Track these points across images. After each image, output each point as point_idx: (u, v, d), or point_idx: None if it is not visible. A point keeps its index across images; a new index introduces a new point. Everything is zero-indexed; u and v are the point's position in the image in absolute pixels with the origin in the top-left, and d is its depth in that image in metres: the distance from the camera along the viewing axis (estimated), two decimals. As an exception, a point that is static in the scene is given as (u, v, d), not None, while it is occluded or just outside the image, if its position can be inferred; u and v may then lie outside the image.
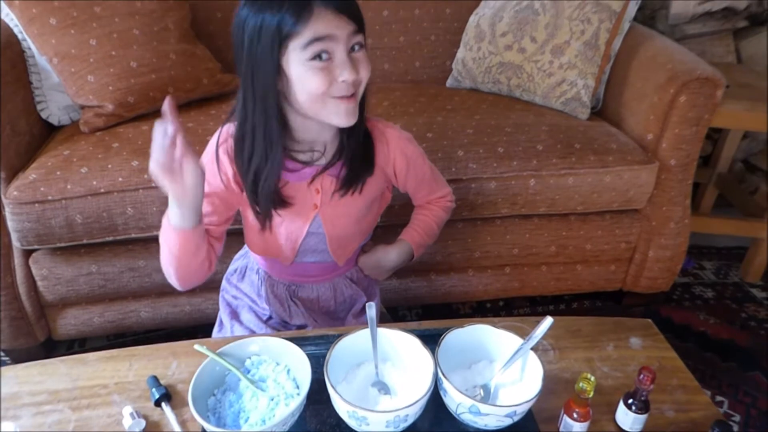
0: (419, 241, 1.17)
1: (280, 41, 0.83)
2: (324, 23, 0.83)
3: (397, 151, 1.05)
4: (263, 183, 0.95)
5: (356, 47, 0.88)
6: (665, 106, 1.54)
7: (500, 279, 1.67)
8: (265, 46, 0.84)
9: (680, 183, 1.62)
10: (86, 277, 1.44)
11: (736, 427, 1.45)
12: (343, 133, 0.99)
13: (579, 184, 1.52)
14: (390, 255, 1.16)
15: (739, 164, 2.35)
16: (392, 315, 1.56)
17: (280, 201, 0.99)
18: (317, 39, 0.83)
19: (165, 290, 1.51)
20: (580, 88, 1.67)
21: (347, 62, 0.86)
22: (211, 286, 1.28)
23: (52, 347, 1.61)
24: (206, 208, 0.96)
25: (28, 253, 1.42)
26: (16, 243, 1.37)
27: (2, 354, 1.56)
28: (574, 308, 1.83)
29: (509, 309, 1.83)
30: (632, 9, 1.78)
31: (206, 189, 0.95)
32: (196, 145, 0.83)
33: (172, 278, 0.98)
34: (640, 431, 0.86)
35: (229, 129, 0.97)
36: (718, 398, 1.53)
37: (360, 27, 0.87)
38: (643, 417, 0.85)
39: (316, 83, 0.86)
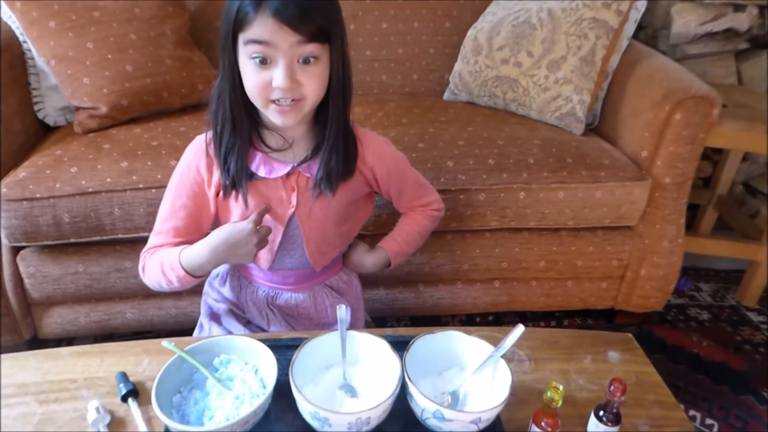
0: (397, 249, 1.18)
1: (234, 28, 0.86)
2: (264, 29, 0.84)
3: (375, 157, 1.05)
4: (234, 156, 0.97)
5: (310, 59, 0.87)
6: (660, 123, 1.53)
7: (489, 293, 1.65)
8: (227, 28, 0.87)
9: (675, 201, 1.60)
10: (73, 276, 1.44)
11: (724, 451, 1.42)
12: (316, 131, 1.00)
13: (570, 199, 1.51)
14: (365, 263, 1.19)
15: (739, 187, 2.32)
16: (380, 326, 1.54)
17: (252, 174, 0.99)
18: (255, 41, 0.85)
19: (151, 292, 1.49)
20: (575, 103, 1.67)
21: (283, 70, 0.86)
22: (197, 289, 1.27)
23: (38, 346, 1.59)
24: (181, 216, 1.02)
25: (15, 251, 1.42)
26: (3, 240, 1.38)
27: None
28: (565, 326, 1.81)
29: (499, 324, 1.80)
30: (630, 27, 1.79)
31: (184, 198, 1.02)
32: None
33: (156, 289, 1.06)
34: (611, 445, 0.84)
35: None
36: (708, 421, 1.49)
37: (313, 38, 0.85)
38: (614, 430, 0.83)
39: (252, 82, 0.89)
